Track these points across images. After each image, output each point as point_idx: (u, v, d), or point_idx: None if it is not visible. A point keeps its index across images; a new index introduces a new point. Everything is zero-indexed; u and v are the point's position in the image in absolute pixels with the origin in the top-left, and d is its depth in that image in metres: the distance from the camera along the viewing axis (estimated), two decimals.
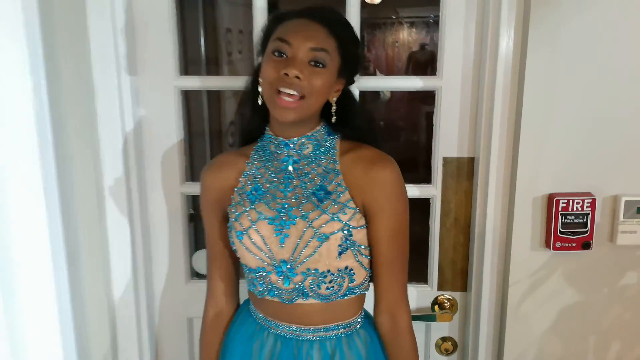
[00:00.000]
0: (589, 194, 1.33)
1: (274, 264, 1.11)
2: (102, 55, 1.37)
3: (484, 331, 1.48)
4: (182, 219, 1.55)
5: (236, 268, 1.28)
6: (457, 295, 1.56)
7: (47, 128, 1.17)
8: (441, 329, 1.58)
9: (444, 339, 1.59)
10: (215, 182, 1.20)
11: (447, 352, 1.59)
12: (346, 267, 1.11)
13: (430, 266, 1.55)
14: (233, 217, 1.15)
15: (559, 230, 1.34)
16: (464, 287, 1.55)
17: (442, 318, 1.53)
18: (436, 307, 1.56)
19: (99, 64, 1.38)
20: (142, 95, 1.47)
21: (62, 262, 1.23)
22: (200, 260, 1.60)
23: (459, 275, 1.55)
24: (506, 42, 1.33)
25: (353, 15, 1.41)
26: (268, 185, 1.15)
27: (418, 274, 1.56)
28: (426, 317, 1.53)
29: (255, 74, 1.16)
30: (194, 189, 1.52)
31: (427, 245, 1.56)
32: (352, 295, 1.15)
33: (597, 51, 1.28)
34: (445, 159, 1.49)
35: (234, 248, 1.16)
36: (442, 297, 1.56)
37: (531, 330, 1.43)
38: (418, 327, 1.45)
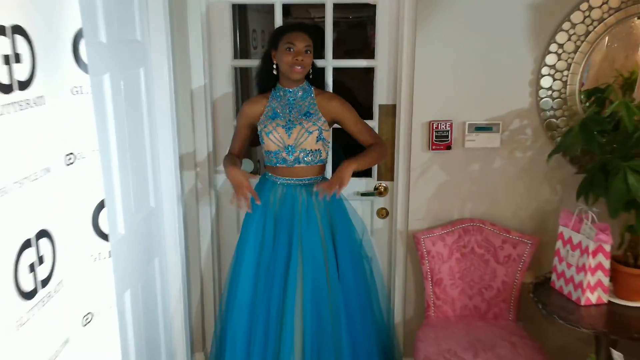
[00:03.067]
0: (449, 120, 2.53)
1: (284, 147, 2.32)
2: (195, 48, 2.58)
3: (401, 200, 2.69)
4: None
5: (244, 148, 2.46)
6: (388, 182, 2.77)
7: (171, 96, 2.40)
8: (379, 202, 2.79)
9: (380, 209, 2.80)
10: (250, 109, 2.40)
11: (382, 216, 2.80)
12: (318, 149, 2.33)
13: (374, 167, 2.77)
14: (263, 125, 2.33)
15: (434, 140, 2.55)
16: (392, 178, 2.76)
17: (380, 195, 2.75)
18: (376, 189, 2.77)
19: (194, 52, 2.59)
20: (213, 69, 2.68)
21: None
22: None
23: (389, 170, 2.75)
24: (407, 36, 2.51)
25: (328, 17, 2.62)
26: (280, 111, 2.35)
27: (366, 171, 2.77)
28: (371, 194, 2.75)
29: (267, 55, 2.35)
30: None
31: None
32: (320, 164, 2.37)
33: (457, 39, 2.48)
34: (380, 106, 2.70)
35: (263, 141, 2.34)
36: (380, 184, 2.77)
37: (422, 196, 2.64)
38: (366, 201, 2.67)
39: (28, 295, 1.31)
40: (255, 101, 2.41)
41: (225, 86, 2.70)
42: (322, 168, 2.44)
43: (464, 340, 2.35)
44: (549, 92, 2.46)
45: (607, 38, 2.49)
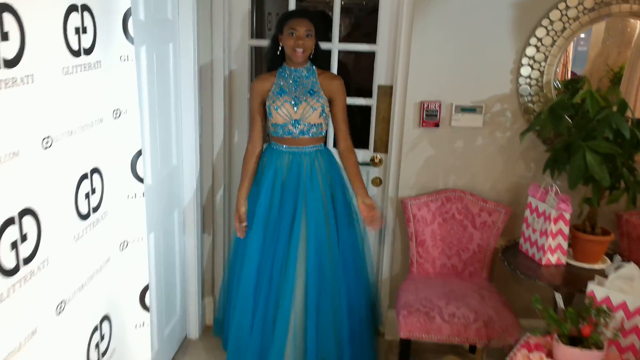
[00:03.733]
0: (438, 101, 2.86)
1: (291, 121, 2.61)
2: (217, 28, 2.92)
3: (393, 170, 3.03)
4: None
5: (263, 128, 2.71)
6: (383, 155, 3.11)
7: (195, 68, 2.74)
8: (374, 172, 3.13)
9: (375, 178, 3.14)
10: (259, 86, 2.62)
11: (376, 184, 3.14)
12: (320, 123, 2.62)
13: (370, 140, 3.10)
14: (272, 101, 2.57)
15: (424, 118, 2.88)
16: (386, 150, 3.09)
17: (375, 165, 3.09)
18: (372, 161, 3.11)
19: (216, 31, 2.93)
20: (232, 46, 3.02)
21: None
22: None
23: (384, 144, 3.09)
24: (405, 26, 2.84)
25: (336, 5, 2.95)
26: (287, 88, 2.59)
27: (364, 143, 3.11)
28: (367, 164, 3.09)
29: (275, 37, 2.63)
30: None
31: (369, 131, 3.11)
32: (321, 135, 2.67)
33: (449, 30, 2.80)
34: (379, 86, 3.03)
35: (271, 115, 2.57)
36: (375, 156, 3.11)
37: (412, 167, 2.97)
38: (362, 171, 3.01)
39: (84, 217, 1.67)
40: (264, 79, 2.65)
41: (242, 62, 3.04)
42: (323, 139, 2.72)
43: (440, 291, 2.70)
44: (527, 80, 2.78)
45: (601, 34, 2.82)
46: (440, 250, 2.93)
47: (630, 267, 2.06)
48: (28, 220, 1.36)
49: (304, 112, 2.58)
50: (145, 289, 2.07)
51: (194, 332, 3.15)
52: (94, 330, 1.79)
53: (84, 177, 1.66)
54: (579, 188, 2.48)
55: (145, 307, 2.08)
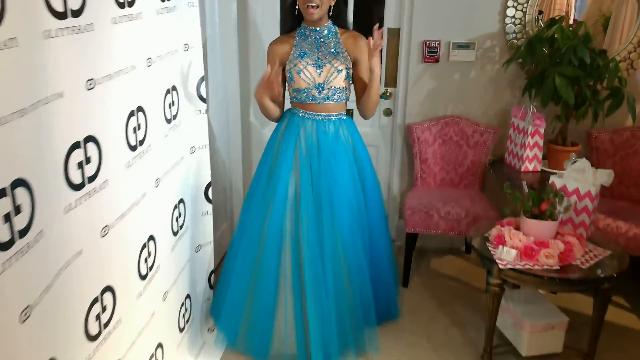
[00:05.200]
0: (438, 39, 3.41)
1: (314, 85, 2.46)
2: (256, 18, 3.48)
3: (401, 101, 3.60)
4: None
5: (282, 93, 2.54)
6: (392, 88, 3.67)
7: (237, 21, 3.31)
8: (385, 104, 3.70)
9: (386, 109, 3.71)
10: (278, 49, 2.51)
11: (388, 115, 3.72)
12: (344, 87, 2.49)
13: (382, 76, 3.67)
14: (293, 64, 2.44)
15: (426, 55, 3.43)
16: (395, 84, 3.65)
17: (386, 98, 3.66)
18: (384, 94, 3.68)
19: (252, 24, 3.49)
20: (260, 20, 3.59)
21: None
22: None
23: (393, 79, 3.65)
24: None
25: None
26: (308, 50, 2.47)
27: None
28: (380, 97, 3.66)
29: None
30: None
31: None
32: (345, 100, 2.55)
33: None
34: (389, 29, 3.57)
35: (293, 79, 2.45)
36: (387, 90, 3.67)
37: (417, 98, 3.54)
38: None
39: (168, 121, 2.29)
40: (282, 40, 2.53)
41: (273, 18, 3.60)
42: (346, 105, 2.59)
43: (439, 197, 3.31)
44: (512, 20, 3.30)
45: None
46: (440, 166, 3.52)
47: (582, 162, 2.64)
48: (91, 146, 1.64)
49: (328, 75, 2.47)
50: (209, 185, 2.71)
51: None
52: (176, 206, 2.43)
53: (168, 91, 2.27)
54: (553, 109, 3.04)
55: (209, 200, 2.73)
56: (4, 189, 1.22)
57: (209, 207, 2.74)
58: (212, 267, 2.85)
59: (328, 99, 2.50)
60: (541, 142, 3.12)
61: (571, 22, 3.49)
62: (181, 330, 2.55)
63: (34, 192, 1.33)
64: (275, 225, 2.49)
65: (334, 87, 2.48)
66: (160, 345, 2.29)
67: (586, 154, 3.31)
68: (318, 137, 2.51)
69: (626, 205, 3.21)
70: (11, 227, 1.26)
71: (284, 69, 2.53)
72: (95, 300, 1.69)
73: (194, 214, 2.63)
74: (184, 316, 2.58)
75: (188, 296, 2.61)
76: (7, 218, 1.25)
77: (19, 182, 1.28)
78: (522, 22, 3.31)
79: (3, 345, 1.26)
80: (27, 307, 1.33)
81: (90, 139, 1.60)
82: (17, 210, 1.28)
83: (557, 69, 2.91)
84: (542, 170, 3.17)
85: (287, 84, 2.57)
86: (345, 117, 2.60)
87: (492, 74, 3.44)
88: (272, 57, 2.51)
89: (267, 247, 2.49)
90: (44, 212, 1.38)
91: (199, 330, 2.76)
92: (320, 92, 2.48)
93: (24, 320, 1.32)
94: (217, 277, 2.86)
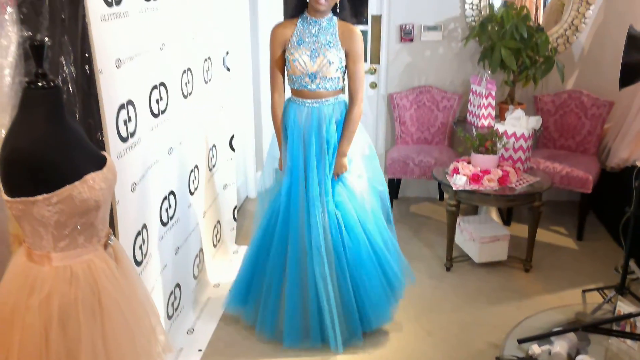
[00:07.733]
0: (412, 23, 4.20)
1: (308, 73, 2.59)
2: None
3: (383, 75, 4.39)
4: None
5: (283, 78, 2.72)
6: (376, 65, 4.46)
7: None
8: (371, 78, 4.49)
9: (371, 82, 4.50)
10: (281, 32, 2.63)
11: (373, 87, 4.51)
12: (337, 77, 2.61)
13: (368, 55, 4.45)
14: (290, 52, 2.58)
15: (403, 36, 4.23)
16: (378, 61, 4.43)
17: (372, 74, 4.46)
18: (369, 69, 4.47)
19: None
20: (270, 9, 4.38)
21: None
22: None
23: (377, 57, 4.43)
24: None
25: None
26: (306, 38, 2.59)
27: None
28: (367, 73, 4.46)
29: None
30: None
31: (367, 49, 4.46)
32: (338, 89, 2.67)
33: None
34: (372, 16, 4.36)
35: (289, 66, 2.59)
36: (372, 66, 4.45)
37: (396, 72, 4.33)
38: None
39: (206, 82, 3.10)
40: (285, 25, 2.64)
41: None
42: (342, 91, 2.71)
43: (415, 151, 4.11)
44: (471, 5, 4.10)
45: None
46: (416, 127, 4.32)
47: (518, 111, 3.44)
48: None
49: (321, 65, 2.57)
50: (232, 137, 3.51)
51: (251, 193, 4.61)
52: (211, 149, 3.22)
53: (206, 60, 3.07)
54: (502, 75, 3.84)
55: (232, 148, 3.53)
56: (123, 104, 2.04)
57: (233, 155, 3.54)
58: (234, 203, 3.65)
59: (319, 87, 2.61)
60: (493, 103, 3.92)
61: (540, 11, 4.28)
62: (215, 246, 3.35)
63: (136, 108, 2.15)
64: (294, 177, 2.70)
65: (326, 77, 2.59)
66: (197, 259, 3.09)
67: (533, 113, 4.10)
68: (314, 120, 2.64)
69: (564, 153, 4.02)
70: (126, 129, 2.07)
71: (284, 53, 2.66)
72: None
73: (221, 159, 3.43)
74: (216, 236, 3.38)
75: (218, 222, 3.42)
76: (125, 123, 2.06)
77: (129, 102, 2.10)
78: (479, 7, 4.10)
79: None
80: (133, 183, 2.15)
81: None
82: (129, 119, 2.09)
83: (503, 42, 3.71)
84: (495, 125, 3.96)
85: (285, 69, 2.69)
86: (341, 100, 2.69)
87: (456, 50, 4.23)
88: (274, 41, 2.65)
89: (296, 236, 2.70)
90: (143, 122, 2.20)
91: (227, 249, 3.56)
92: (313, 80, 2.60)
93: (133, 190, 2.13)
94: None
